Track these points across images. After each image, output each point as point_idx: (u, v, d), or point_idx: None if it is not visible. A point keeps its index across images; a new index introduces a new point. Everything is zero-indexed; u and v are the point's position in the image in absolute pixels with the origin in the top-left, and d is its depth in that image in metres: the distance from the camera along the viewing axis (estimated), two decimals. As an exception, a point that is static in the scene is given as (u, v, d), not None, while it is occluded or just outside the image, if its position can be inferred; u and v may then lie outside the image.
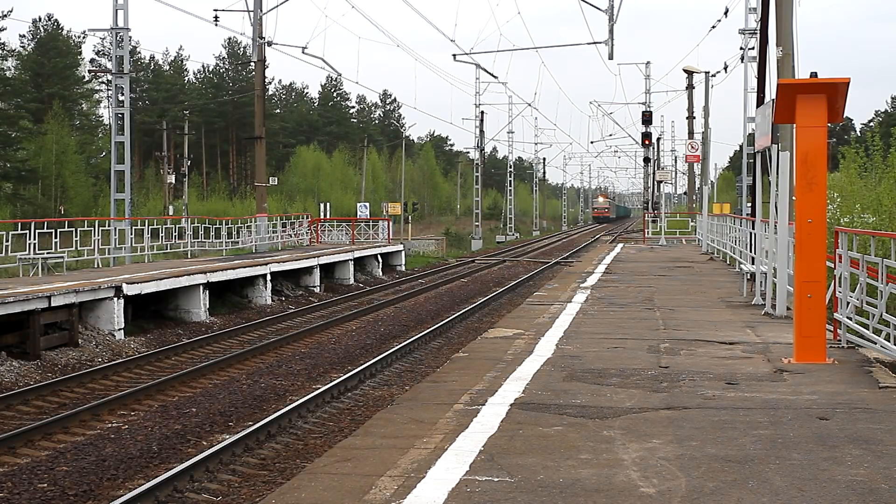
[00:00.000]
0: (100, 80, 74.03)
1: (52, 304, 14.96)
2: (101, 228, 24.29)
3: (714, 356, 9.46)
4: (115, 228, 25.66)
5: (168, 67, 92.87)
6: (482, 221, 65.37)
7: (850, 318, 9.69)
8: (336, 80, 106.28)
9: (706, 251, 29.09)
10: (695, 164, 52.66)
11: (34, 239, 21.37)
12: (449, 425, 6.61)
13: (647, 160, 55.94)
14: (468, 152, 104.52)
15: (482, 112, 63.32)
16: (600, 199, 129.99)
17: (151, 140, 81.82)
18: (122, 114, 29.14)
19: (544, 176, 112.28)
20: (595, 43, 33.62)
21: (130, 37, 29.66)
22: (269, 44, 31.94)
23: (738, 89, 67.44)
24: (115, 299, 16.56)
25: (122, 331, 16.71)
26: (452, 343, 17.06)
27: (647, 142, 50.12)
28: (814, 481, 5.22)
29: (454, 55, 40.79)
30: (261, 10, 31.16)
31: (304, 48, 32.31)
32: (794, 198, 9.95)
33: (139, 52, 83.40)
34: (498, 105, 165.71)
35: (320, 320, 20.17)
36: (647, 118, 48.56)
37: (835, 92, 8.70)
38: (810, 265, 8.84)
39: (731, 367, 8.83)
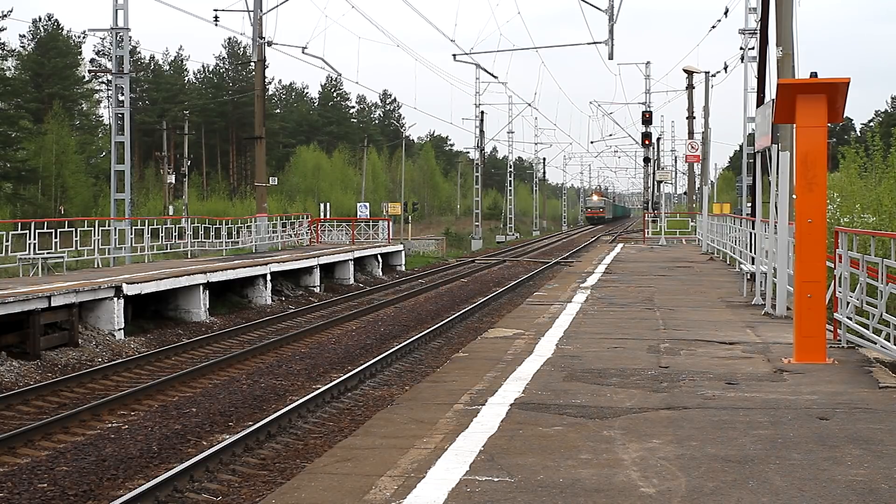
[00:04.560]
0: (100, 80, 74.10)
1: (52, 304, 14.96)
2: (101, 228, 24.30)
3: (714, 356, 9.46)
4: (115, 228, 25.67)
5: (168, 67, 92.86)
6: (482, 221, 65.37)
7: (850, 318, 9.69)
8: (336, 80, 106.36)
9: (706, 251, 29.09)
10: (695, 164, 52.66)
11: (34, 239, 21.38)
12: (449, 425, 6.61)
13: (647, 160, 55.91)
14: (468, 152, 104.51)
15: (482, 112, 63.36)
16: (594, 198, 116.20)
17: (151, 140, 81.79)
18: (122, 114, 29.13)
19: (544, 176, 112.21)
20: (595, 43, 33.64)
21: (130, 37, 29.67)
22: (269, 44, 31.94)
23: (738, 89, 67.41)
24: (115, 299, 16.56)
25: (122, 331, 16.71)
26: (452, 343, 17.06)
27: (647, 142, 50.09)
28: (814, 481, 5.22)
29: (454, 55, 40.80)
30: (261, 10, 31.16)
31: (304, 48, 32.32)
32: (794, 197, 9.95)
33: (139, 52, 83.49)
34: (498, 105, 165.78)
35: (320, 320, 20.17)
36: (647, 118, 48.53)
37: (835, 92, 8.70)
38: (810, 265, 8.84)
39: (731, 367, 8.83)
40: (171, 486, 8.21)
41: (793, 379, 8.17)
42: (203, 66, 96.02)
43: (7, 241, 20.74)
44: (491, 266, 37.65)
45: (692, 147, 46.89)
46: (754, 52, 25.08)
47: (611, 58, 32.48)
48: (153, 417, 11.13)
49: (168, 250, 29.34)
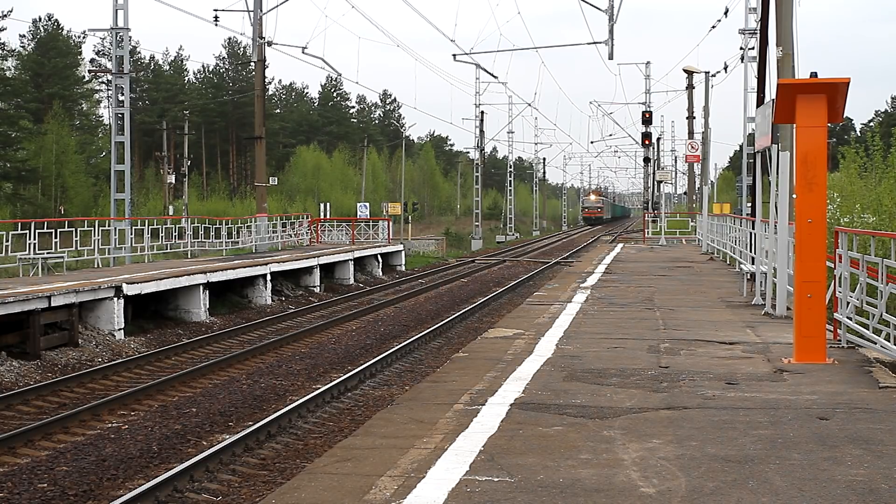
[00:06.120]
0: (100, 80, 74.10)
1: (52, 304, 14.96)
2: (101, 228, 24.30)
3: (714, 356, 9.46)
4: (115, 228, 25.67)
5: (168, 67, 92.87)
6: (482, 221, 65.37)
7: (850, 318, 9.69)
8: (336, 80, 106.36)
9: (706, 251, 29.09)
10: (695, 164, 52.65)
11: (34, 239, 21.38)
12: (449, 425, 6.61)
13: (647, 160, 55.92)
14: (468, 152, 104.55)
15: (482, 112, 63.38)
16: (592, 198, 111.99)
17: (151, 140, 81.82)
18: (122, 114, 29.13)
19: (544, 176, 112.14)
20: (595, 43, 33.65)
21: (130, 37, 29.67)
22: (269, 44, 31.94)
23: (738, 89, 67.42)
24: (115, 299, 16.56)
25: (122, 331, 16.71)
26: (452, 343, 17.06)
27: (647, 142, 50.10)
28: (814, 481, 5.22)
29: (454, 55, 40.83)
30: (261, 10, 31.15)
31: (304, 48, 32.32)
32: (794, 197, 9.95)
33: (139, 52, 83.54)
34: (498, 105, 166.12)
35: (320, 320, 20.17)
36: (647, 118, 48.53)
37: (835, 92, 8.70)
38: (810, 265, 8.84)
39: (731, 367, 8.83)
40: (171, 486, 8.21)
41: (793, 379, 8.17)
42: (203, 66, 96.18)
43: (7, 241, 20.74)
44: (491, 266, 37.65)
45: (692, 147, 46.88)
46: (754, 52, 25.08)
47: (611, 58, 32.51)
48: (153, 417, 11.12)
49: (168, 250, 29.35)
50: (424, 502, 4.97)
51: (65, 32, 75.57)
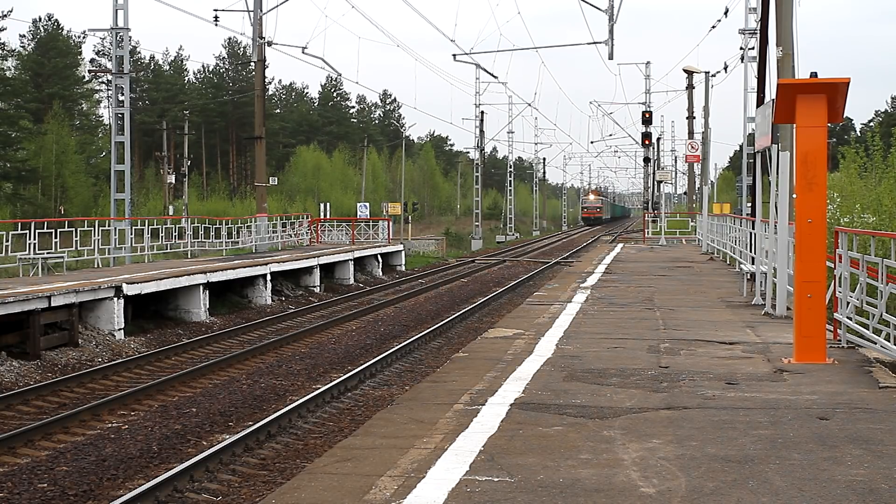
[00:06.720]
0: (100, 80, 74.10)
1: (52, 304, 14.96)
2: (101, 228, 24.30)
3: (714, 356, 9.46)
4: (115, 228, 25.67)
5: (168, 67, 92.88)
6: (482, 221, 65.36)
7: (850, 318, 9.69)
8: (336, 80, 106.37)
9: (706, 251, 29.09)
10: (695, 164, 52.65)
11: (34, 239, 21.38)
12: (449, 425, 6.61)
13: (647, 160, 55.91)
14: (468, 152, 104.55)
15: (482, 112, 63.38)
16: (591, 197, 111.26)
17: (151, 140, 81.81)
18: (122, 114, 29.13)
19: (544, 176, 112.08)
20: (595, 43, 33.65)
21: (130, 37, 29.66)
22: (269, 44, 31.95)
23: (738, 89, 67.48)
24: (115, 299, 16.56)
25: (122, 331, 16.71)
26: (452, 343, 17.06)
27: (647, 142, 50.09)
28: (814, 481, 5.22)
29: (454, 55, 40.84)
30: (261, 10, 31.16)
31: (304, 48, 32.33)
32: (794, 197, 9.95)
33: (139, 52, 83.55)
34: (498, 105, 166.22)
35: (320, 320, 20.17)
36: (647, 118, 48.51)
37: (835, 92, 8.70)
38: (810, 265, 8.84)
39: (731, 367, 8.83)
40: (171, 486, 8.21)
41: (793, 379, 8.17)
42: (203, 66, 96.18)
43: (7, 241, 20.74)
44: (491, 266, 37.65)
45: (692, 147, 46.87)
46: (754, 52, 25.07)
47: (611, 58, 32.51)
48: (153, 417, 11.13)
49: (168, 250, 29.34)
50: (424, 502, 4.97)
51: (65, 32, 75.61)
